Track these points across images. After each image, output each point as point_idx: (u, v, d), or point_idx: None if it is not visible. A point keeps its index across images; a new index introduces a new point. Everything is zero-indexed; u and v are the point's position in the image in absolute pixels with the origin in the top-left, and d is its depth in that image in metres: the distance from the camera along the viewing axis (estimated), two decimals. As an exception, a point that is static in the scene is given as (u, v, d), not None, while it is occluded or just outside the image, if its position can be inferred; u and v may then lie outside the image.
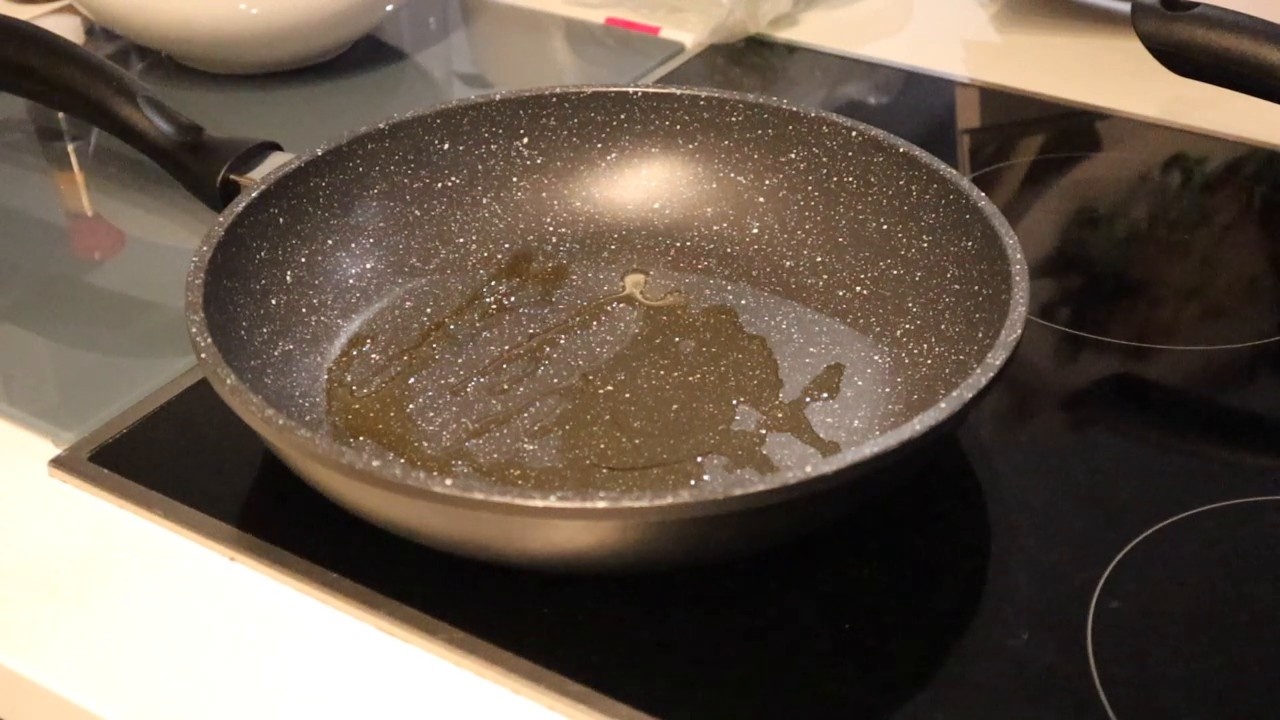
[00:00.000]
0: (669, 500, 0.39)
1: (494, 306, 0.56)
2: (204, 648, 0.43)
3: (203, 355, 0.44)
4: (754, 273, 0.58)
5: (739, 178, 0.60)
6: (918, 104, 0.78)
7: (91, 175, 0.70)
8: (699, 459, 0.49)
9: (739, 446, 0.49)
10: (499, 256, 0.59)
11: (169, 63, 0.79)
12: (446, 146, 0.59)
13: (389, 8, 0.78)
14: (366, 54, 0.80)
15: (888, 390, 0.51)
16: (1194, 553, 0.46)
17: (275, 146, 0.59)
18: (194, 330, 0.45)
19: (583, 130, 0.61)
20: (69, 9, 0.84)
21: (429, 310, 0.56)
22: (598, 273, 0.58)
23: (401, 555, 0.44)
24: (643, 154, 0.61)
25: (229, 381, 0.43)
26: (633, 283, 0.58)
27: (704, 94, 0.60)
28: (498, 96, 0.59)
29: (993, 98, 0.77)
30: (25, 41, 0.62)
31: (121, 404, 0.52)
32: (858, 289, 0.56)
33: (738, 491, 0.39)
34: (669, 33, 0.83)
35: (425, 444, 0.49)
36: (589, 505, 0.39)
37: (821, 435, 0.50)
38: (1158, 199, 0.69)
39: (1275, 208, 0.68)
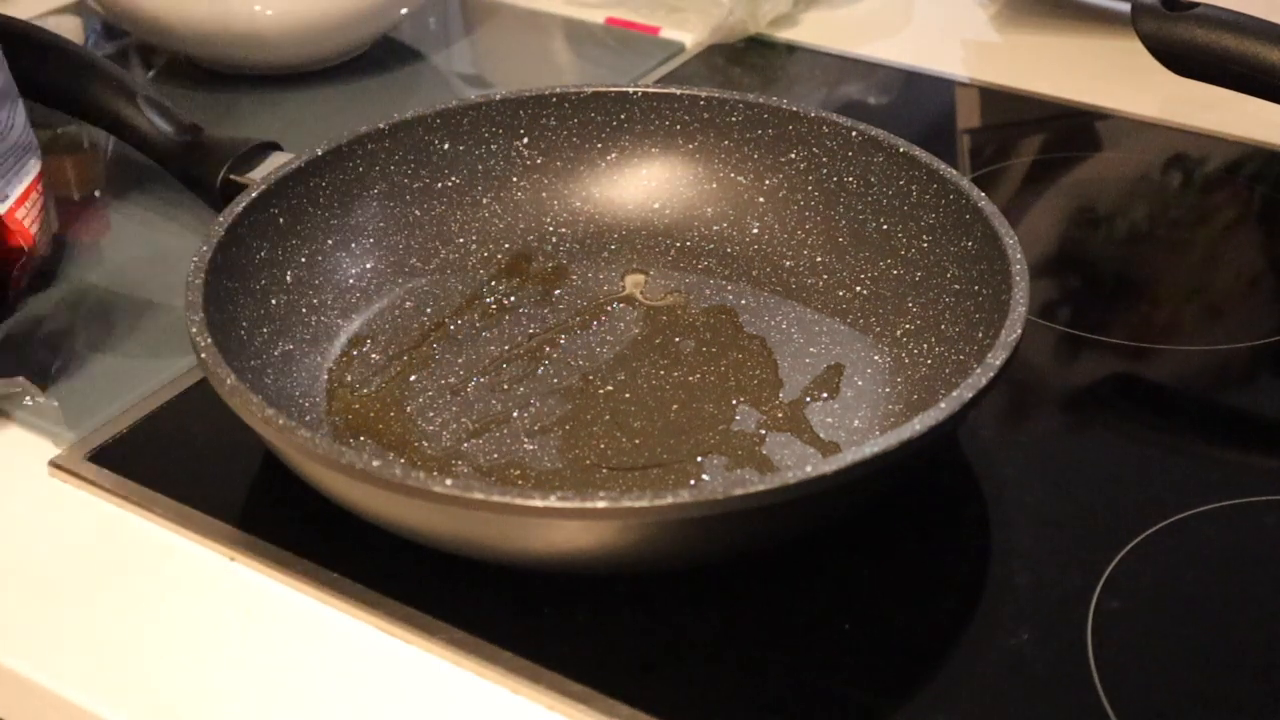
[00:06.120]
0: (669, 500, 0.39)
1: (494, 306, 0.56)
2: (204, 648, 0.43)
3: (203, 355, 0.44)
4: (754, 273, 0.58)
5: (739, 178, 0.60)
6: (918, 104, 0.78)
7: (91, 174, 0.70)
8: (699, 459, 0.49)
9: (739, 446, 0.49)
10: (499, 256, 0.59)
11: (178, 64, 0.79)
12: (446, 146, 0.59)
13: (403, 11, 0.78)
14: (366, 55, 0.80)
15: (888, 390, 0.51)
16: (1194, 553, 0.46)
17: (275, 146, 0.59)
18: (194, 330, 0.45)
19: (583, 130, 0.60)
20: (69, 9, 0.84)
21: (429, 310, 0.56)
22: (598, 273, 0.58)
23: (401, 555, 0.44)
24: (643, 154, 0.61)
25: (229, 381, 0.43)
26: (633, 283, 0.58)
27: (704, 94, 0.60)
28: (498, 96, 0.59)
29: (993, 98, 0.77)
30: (25, 42, 0.62)
31: (121, 404, 0.52)
32: (858, 289, 0.56)
33: (738, 491, 0.39)
34: (669, 33, 0.83)
35: (425, 444, 0.49)
36: (589, 505, 0.39)
37: (821, 435, 0.50)
38: (1158, 199, 0.69)
39: (1275, 208, 0.68)
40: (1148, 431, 0.53)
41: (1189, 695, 0.42)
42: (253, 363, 0.49)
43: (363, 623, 0.44)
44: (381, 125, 0.57)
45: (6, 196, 0.54)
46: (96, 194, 0.69)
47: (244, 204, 0.52)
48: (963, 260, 0.52)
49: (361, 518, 0.44)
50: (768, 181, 0.59)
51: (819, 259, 0.57)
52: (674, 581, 0.44)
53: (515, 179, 0.60)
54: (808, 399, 0.51)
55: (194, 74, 0.78)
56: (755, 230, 0.59)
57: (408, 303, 0.56)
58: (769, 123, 0.59)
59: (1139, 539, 0.47)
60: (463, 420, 0.50)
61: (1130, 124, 0.74)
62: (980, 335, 0.49)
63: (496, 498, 0.39)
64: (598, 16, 0.86)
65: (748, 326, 0.55)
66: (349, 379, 0.52)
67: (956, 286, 0.52)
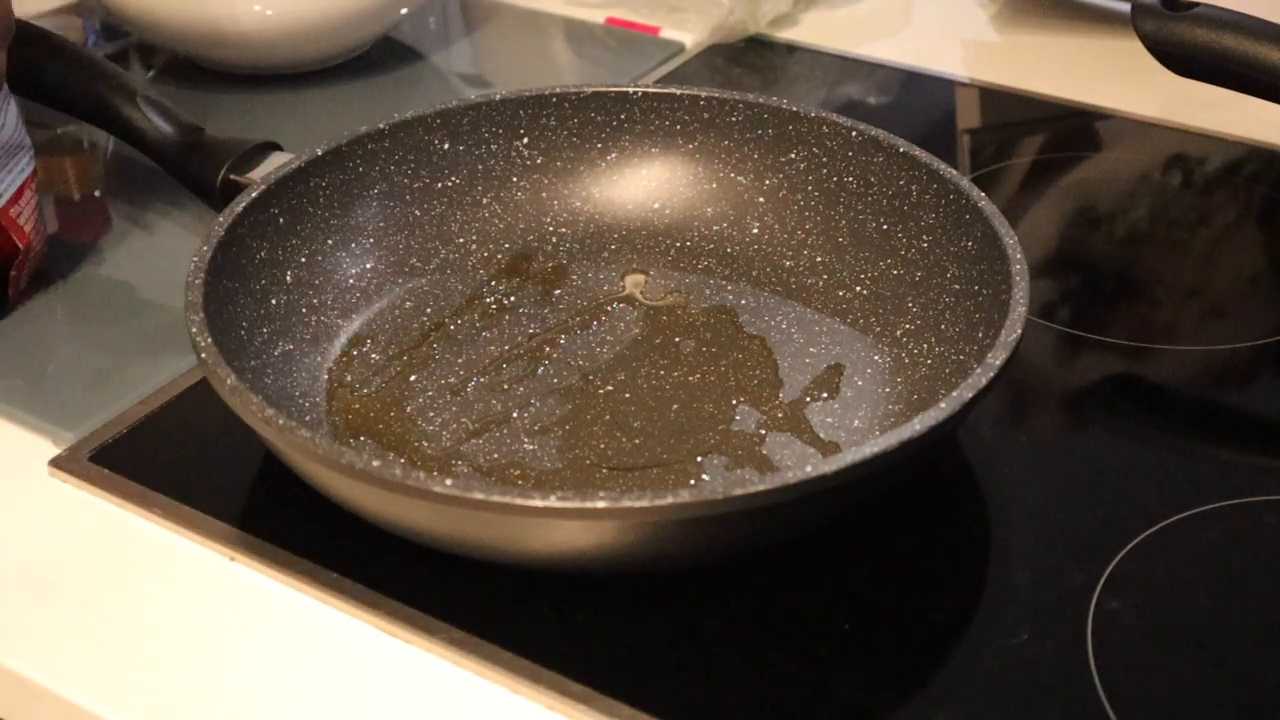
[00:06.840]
0: (669, 500, 0.39)
1: (494, 306, 0.56)
2: (204, 648, 0.43)
3: (203, 355, 0.44)
4: (754, 273, 0.58)
5: (739, 178, 0.60)
6: (918, 104, 0.78)
7: (91, 174, 0.70)
8: (699, 459, 0.49)
9: (739, 446, 0.49)
10: (499, 256, 0.59)
11: (178, 64, 0.79)
12: (446, 146, 0.59)
13: (403, 11, 0.78)
14: (366, 55, 0.80)
15: (888, 390, 0.51)
16: (1194, 553, 0.46)
17: (275, 146, 0.59)
18: (194, 330, 0.45)
19: (583, 130, 0.60)
20: (69, 9, 0.84)
21: (429, 310, 0.56)
22: (598, 273, 0.58)
23: (401, 555, 0.44)
24: (643, 154, 0.61)
25: (229, 381, 0.43)
26: (633, 283, 0.58)
27: (704, 94, 0.60)
28: (498, 96, 0.59)
29: (993, 98, 0.77)
30: (25, 41, 0.62)
31: (121, 404, 0.52)
32: (858, 289, 0.56)
33: (738, 491, 0.39)
34: (669, 33, 0.83)
35: (425, 444, 0.49)
36: (589, 505, 0.39)
37: (821, 435, 0.50)
38: (1158, 199, 0.69)
39: (1275, 208, 0.68)
40: (1148, 431, 0.53)
41: (1189, 695, 0.42)
42: (253, 363, 0.49)
43: (363, 623, 0.44)
44: (381, 125, 0.57)
45: (1, 195, 0.54)
46: (96, 194, 0.69)
47: (244, 204, 0.52)
48: (963, 260, 0.52)
49: (361, 518, 0.44)
50: (768, 181, 0.59)
51: (819, 259, 0.57)
52: (674, 581, 0.44)
53: (515, 179, 0.60)
54: (808, 399, 0.51)
55: (194, 74, 0.78)
56: (755, 230, 0.59)
57: (408, 303, 0.56)
58: (769, 123, 0.59)
59: (1139, 539, 0.47)
60: (463, 420, 0.50)
61: (1130, 124, 0.74)
62: (980, 335, 0.49)
63: (496, 498, 0.39)
64: (598, 16, 0.86)
65: (748, 326, 0.55)
66: (349, 379, 0.52)
67: (956, 286, 0.52)
